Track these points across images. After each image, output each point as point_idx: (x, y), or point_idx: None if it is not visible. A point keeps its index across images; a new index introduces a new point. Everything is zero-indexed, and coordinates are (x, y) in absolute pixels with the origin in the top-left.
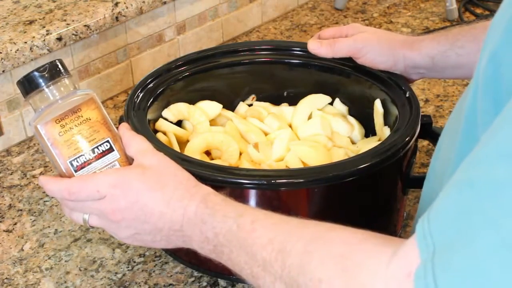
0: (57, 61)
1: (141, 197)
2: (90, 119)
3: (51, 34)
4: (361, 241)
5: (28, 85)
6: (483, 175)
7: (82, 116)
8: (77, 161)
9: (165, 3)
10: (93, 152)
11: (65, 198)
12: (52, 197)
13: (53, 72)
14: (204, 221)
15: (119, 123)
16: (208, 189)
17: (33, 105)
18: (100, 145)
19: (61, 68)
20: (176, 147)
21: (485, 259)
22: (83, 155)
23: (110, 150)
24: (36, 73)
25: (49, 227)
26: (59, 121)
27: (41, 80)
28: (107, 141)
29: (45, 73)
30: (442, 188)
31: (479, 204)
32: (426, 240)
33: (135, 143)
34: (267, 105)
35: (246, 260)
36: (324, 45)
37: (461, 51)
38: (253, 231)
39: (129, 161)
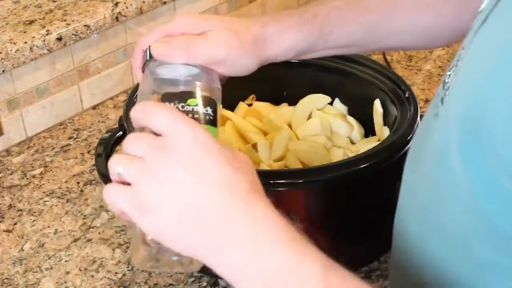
0: None
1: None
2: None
3: (51, 34)
4: None
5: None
6: None
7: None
8: None
9: (165, 3)
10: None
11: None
12: (52, 198)
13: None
14: None
15: (119, 123)
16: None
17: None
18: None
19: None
20: None
21: None
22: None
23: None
24: None
25: (49, 227)
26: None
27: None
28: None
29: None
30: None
31: None
32: None
33: None
34: (266, 105)
35: None
36: (177, 48)
37: (329, 37)
38: None
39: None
